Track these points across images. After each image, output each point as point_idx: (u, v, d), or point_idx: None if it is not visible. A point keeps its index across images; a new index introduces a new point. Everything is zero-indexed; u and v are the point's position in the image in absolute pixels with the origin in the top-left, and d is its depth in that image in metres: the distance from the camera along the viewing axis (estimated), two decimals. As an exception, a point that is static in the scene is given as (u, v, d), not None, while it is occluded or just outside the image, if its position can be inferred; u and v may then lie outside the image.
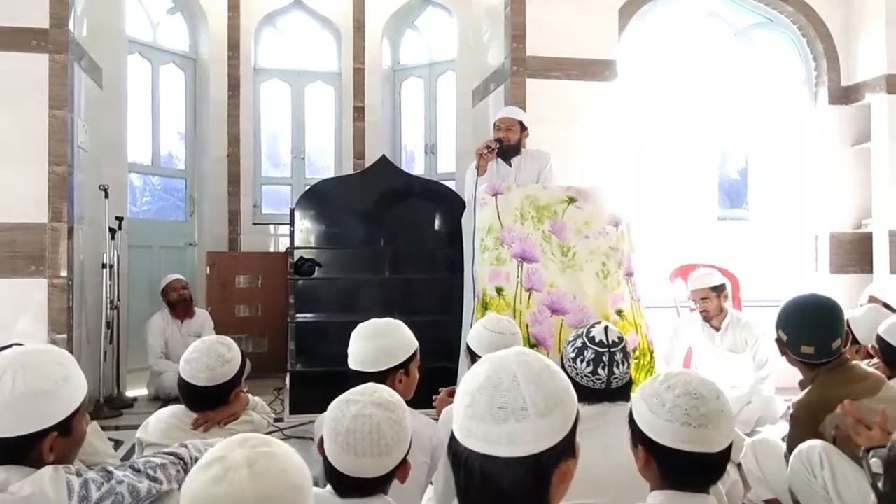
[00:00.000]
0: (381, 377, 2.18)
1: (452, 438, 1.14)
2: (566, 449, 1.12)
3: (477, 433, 1.09)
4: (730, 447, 1.52)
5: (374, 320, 2.39)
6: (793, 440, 2.44)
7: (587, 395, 2.01)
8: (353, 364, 2.29)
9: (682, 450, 1.47)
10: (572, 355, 2.16)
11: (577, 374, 2.11)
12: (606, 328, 2.18)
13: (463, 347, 3.12)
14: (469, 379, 1.15)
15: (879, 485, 1.58)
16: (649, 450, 1.51)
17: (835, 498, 2.24)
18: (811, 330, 2.46)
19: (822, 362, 2.45)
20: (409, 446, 1.54)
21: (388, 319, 2.40)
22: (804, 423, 2.39)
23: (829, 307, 2.51)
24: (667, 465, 1.50)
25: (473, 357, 2.68)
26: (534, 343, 3.81)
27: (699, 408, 1.48)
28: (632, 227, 4.20)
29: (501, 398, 1.09)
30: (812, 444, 2.30)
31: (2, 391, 1.48)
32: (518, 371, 1.12)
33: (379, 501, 1.50)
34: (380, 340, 2.29)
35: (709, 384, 1.54)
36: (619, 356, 2.13)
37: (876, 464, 1.72)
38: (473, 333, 2.72)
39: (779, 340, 2.56)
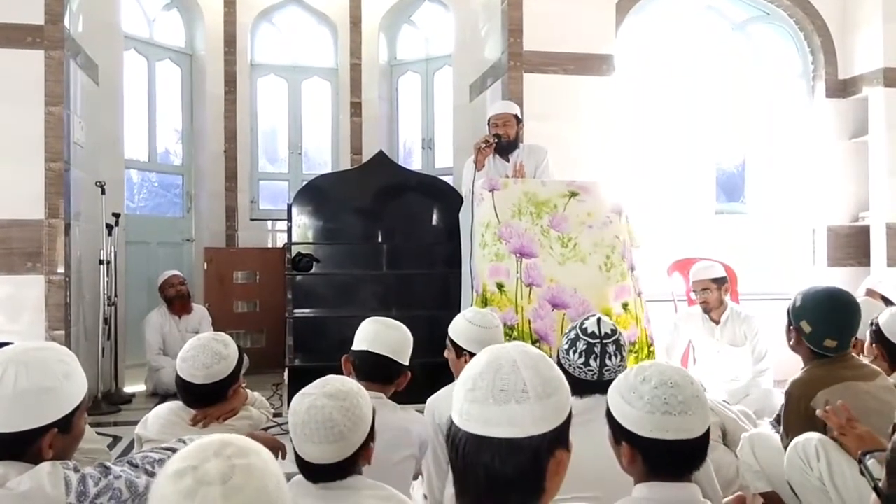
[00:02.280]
0: (398, 370, 2.32)
1: (451, 425, 1.17)
2: (561, 437, 1.16)
3: (478, 416, 1.13)
4: (708, 431, 1.53)
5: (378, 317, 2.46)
6: (786, 417, 2.46)
7: (579, 386, 2.02)
8: (378, 348, 2.32)
9: (666, 439, 1.48)
10: (565, 346, 2.18)
11: (569, 365, 2.12)
12: (599, 320, 2.19)
13: None
14: (469, 367, 1.20)
15: (881, 486, 1.58)
16: (633, 444, 1.52)
17: (831, 490, 2.24)
18: (839, 325, 2.46)
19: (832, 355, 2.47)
20: (371, 430, 1.64)
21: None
22: (797, 399, 2.41)
23: (854, 303, 2.52)
24: (652, 456, 1.51)
25: (458, 350, 2.67)
26: (536, 339, 3.81)
27: (677, 395, 1.49)
28: (631, 221, 4.20)
29: (502, 381, 1.14)
30: (808, 437, 2.31)
31: (4, 387, 1.48)
32: (518, 358, 1.17)
33: (351, 481, 1.59)
34: (398, 331, 2.39)
35: (681, 371, 1.56)
36: (611, 348, 2.13)
37: (874, 466, 1.71)
38: (457, 327, 2.70)
39: (798, 330, 2.50)
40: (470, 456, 1.13)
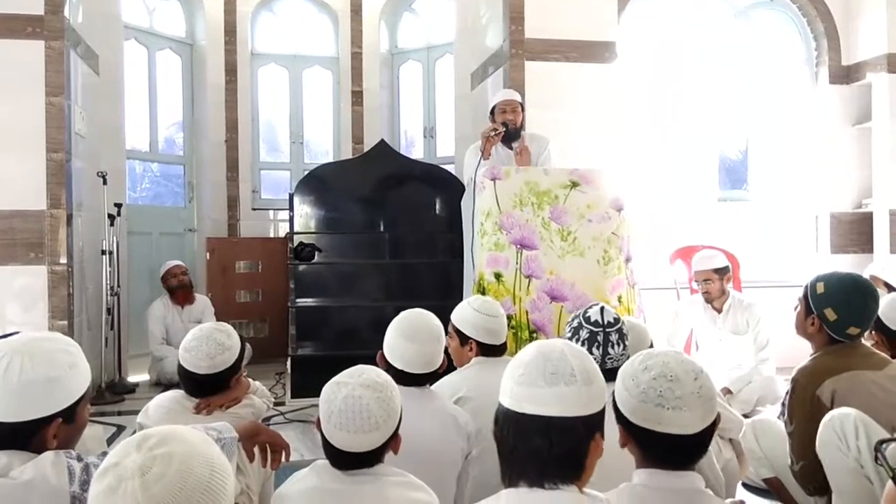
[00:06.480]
0: (428, 376, 2.24)
1: (499, 407, 1.34)
2: (600, 423, 1.32)
3: (529, 397, 1.30)
4: (710, 428, 1.49)
5: (412, 317, 2.28)
6: (791, 405, 2.42)
7: None
8: (403, 365, 2.19)
9: (656, 431, 1.46)
10: (568, 335, 2.18)
11: None
12: (603, 309, 2.19)
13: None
14: (519, 356, 1.37)
15: None
16: (626, 428, 1.53)
17: (871, 472, 2.11)
18: (865, 313, 2.43)
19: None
20: (399, 421, 1.67)
21: (423, 314, 2.30)
22: (803, 387, 2.37)
23: (875, 290, 2.49)
24: (644, 444, 1.50)
25: (462, 338, 2.56)
26: (533, 329, 3.80)
27: (674, 390, 1.46)
28: (629, 213, 4.18)
29: (553, 366, 1.31)
30: (846, 412, 2.19)
31: (10, 377, 1.48)
32: (565, 348, 1.35)
33: (377, 468, 1.63)
34: (432, 346, 2.24)
35: (688, 365, 1.51)
36: (614, 337, 2.14)
37: (892, 455, 1.68)
38: (462, 316, 2.58)
39: (820, 317, 2.42)
40: (519, 434, 1.28)
